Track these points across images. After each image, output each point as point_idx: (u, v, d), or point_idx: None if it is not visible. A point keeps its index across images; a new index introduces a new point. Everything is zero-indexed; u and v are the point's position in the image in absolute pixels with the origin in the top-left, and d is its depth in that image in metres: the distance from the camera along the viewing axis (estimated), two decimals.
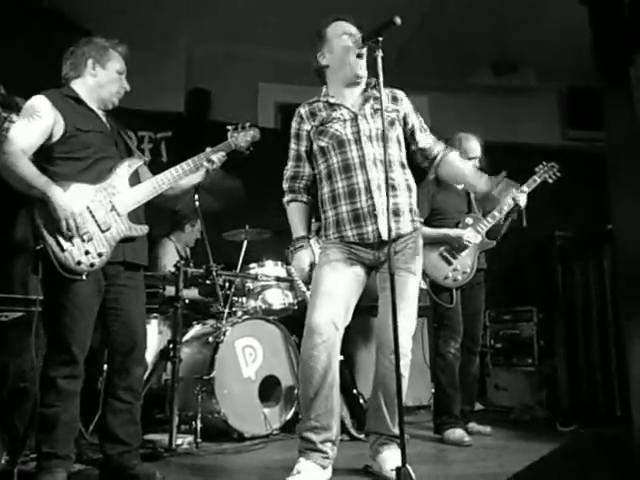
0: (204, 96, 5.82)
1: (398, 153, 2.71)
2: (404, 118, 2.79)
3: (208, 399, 3.46)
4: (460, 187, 3.84)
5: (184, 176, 2.63)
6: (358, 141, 2.63)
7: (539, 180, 3.81)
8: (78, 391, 2.38)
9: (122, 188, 2.47)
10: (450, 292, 3.71)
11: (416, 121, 2.84)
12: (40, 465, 2.32)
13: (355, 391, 3.74)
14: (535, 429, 4.03)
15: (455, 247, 3.70)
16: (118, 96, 2.63)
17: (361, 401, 3.71)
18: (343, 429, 3.53)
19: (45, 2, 4.64)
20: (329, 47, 2.74)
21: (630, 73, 2.81)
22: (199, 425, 3.35)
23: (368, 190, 2.59)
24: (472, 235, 3.70)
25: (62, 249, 2.29)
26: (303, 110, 2.77)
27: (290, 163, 2.82)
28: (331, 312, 2.54)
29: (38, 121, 2.35)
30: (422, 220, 3.63)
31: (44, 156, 2.40)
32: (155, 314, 4.06)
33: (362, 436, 3.54)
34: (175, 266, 3.49)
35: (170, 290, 4.07)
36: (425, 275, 3.67)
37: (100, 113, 2.60)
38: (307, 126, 2.73)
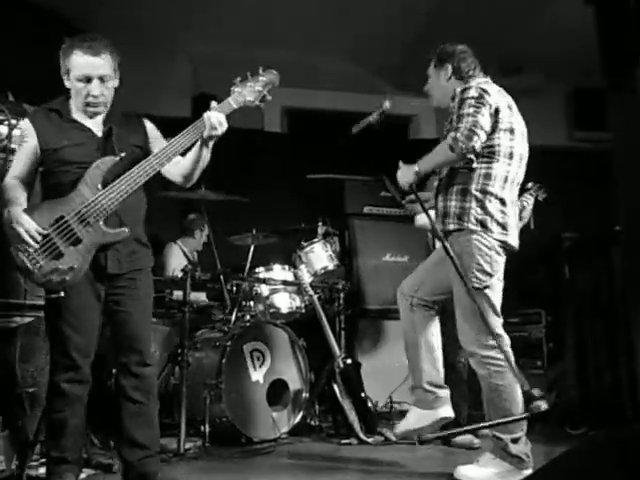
0: (210, 101, 5.83)
1: None
2: None
3: (216, 403, 3.46)
4: None
5: (173, 155, 2.38)
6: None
7: (531, 199, 3.65)
8: (84, 396, 2.37)
9: (90, 194, 2.30)
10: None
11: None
12: (50, 470, 2.33)
13: (363, 395, 3.73)
14: (544, 432, 4.00)
15: None
16: (91, 106, 2.41)
17: (369, 405, 3.70)
18: (352, 433, 3.53)
19: (47, 6, 4.66)
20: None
21: (636, 73, 2.80)
22: (207, 429, 3.35)
23: None
24: None
25: (35, 267, 2.25)
26: None
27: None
28: None
29: (24, 145, 2.37)
30: None
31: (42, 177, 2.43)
32: (163, 319, 4.06)
33: (371, 440, 3.53)
34: (183, 270, 3.50)
35: (178, 294, 4.08)
36: None
37: (89, 122, 2.44)
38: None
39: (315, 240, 4.25)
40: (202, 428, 3.37)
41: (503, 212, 2.76)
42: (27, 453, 2.58)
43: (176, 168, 2.50)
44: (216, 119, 2.40)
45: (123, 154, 2.37)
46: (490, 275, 2.74)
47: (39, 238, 2.25)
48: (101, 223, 2.31)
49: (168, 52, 5.59)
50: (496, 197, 2.75)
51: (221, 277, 3.85)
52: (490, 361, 2.70)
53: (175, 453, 3.13)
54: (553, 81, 6.13)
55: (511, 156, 2.79)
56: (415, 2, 5.01)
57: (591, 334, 4.17)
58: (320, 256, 4.18)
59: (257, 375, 3.70)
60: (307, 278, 4.00)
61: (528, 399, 2.08)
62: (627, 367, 3.80)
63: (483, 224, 2.72)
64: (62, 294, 2.28)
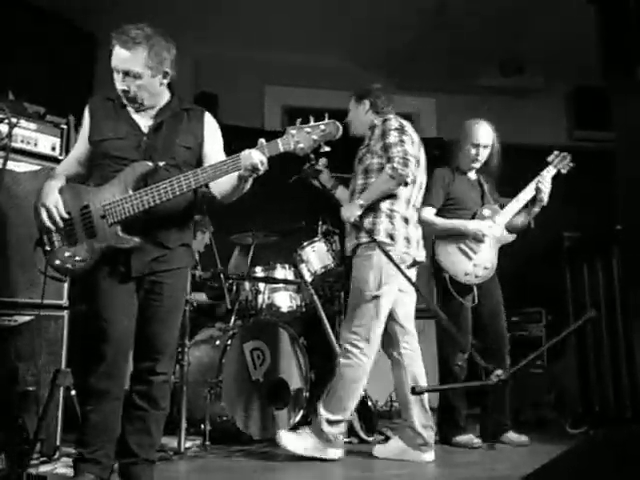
0: (211, 100, 5.83)
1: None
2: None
3: (216, 402, 3.46)
4: (474, 177, 3.81)
5: (205, 182, 2.29)
6: None
7: (554, 170, 3.67)
8: (112, 391, 2.29)
9: (119, 193, 2.27)
10: (470, 290, 3.60)
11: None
12: (74, 466, 2.31)
13: (363, 394, 3.73)
14: (544, 431, 4.01)
15: (473, 240, 3.59)
16: (124, 98, 2.34)
17: (369, 404, 3.70)
18: (352, 432, 3.53)
19: (49, 6, 4.66)
20: None
21: (637, 72, 2.80)
22: (208, 428, 3.35)
23: None
24: (488, 227, 3.61)
25: (51, 246, 2.31)
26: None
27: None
28: None
29: (82, 129, 2.43)
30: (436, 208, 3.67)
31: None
32: None
33: (371, 439, 3.54)
34: None
35: None
36: (444, 272, 3.61)
37: (139, 116, 2.39)
38: None
39: (315, 239, 4.24)
40: (202, 427, 3.37)
41: (406, 228, 3.18)
42: (27, 452, 2.58)
43: (215, 185, 2.42)
44: (257, 160, 2.22)
45: (162, 164, 2.31)
46: (379, 286, 3.09)
47: (61, 224, 2.29)
48: (119, 227, 2.27)
49: None
50: (401, 215, 3.17)
51: (221, 276, 3.85)
52: (348, 355, 3.12)
53: (175, 452, 3.13)
54: (553, 81, 6.13)
55: (414, 182, 3.21)
56: (416, 1, 5.01)
57: (591, 333, 4.17)
58: (320, 255, 4.17)
59: (257, 374, 3.70)
60: (307, 277, 4.00)
61: (486, 372, 2.10)
62: (627, 366, 3.80)
63: (392, 237, 3.11)
64: (65, 279, 2.30)
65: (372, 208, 3.14)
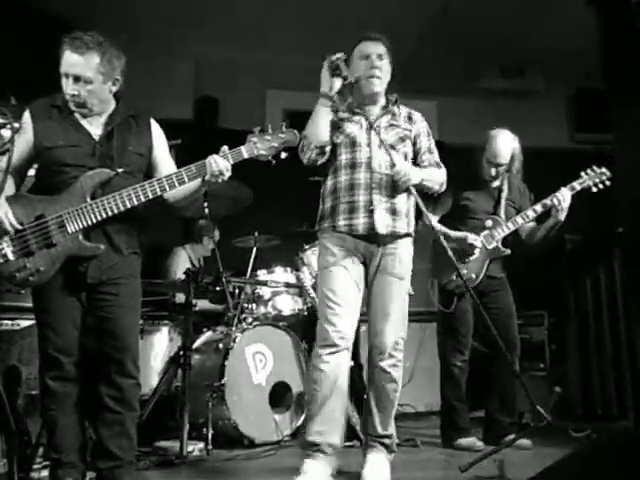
0: (212, 103, 5.84)
1: None
2: (415, 137, 2.90)
3: (219, 406, 3.46)
4: (494, 185, 3.73)
5: (169, 188, 2.34)
6: (368, 145, 2.77)
7: (578, 187, 3.56)
8: (72, 394, 2.35)
9: (76, 202, 2.27)
10: (453, 297, 3.60)
11: (425, 143, 2.92)
12: (50, 473, 2.34)
13: (365, 397, 3.72)
14: (547, 434, 4.00)
15: (464, 250, 3.58)
16: (71, 104, 2.35)
17: None
18: (354, 435, 3.52)
19: (50, 8, 4.67)
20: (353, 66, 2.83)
21: (637, 75, 2.80)
22: (210, 432, 3.35)
23: (369, 187, 2.72)
24: (479, 240, 3.58)
25: (2, 259, 2.24)
26: None
27: None
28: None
29: (21, 137, 2.28)
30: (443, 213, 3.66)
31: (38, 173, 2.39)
32: (165, 321, 4.07)
33: None
34: (185, 273, 3.51)
35: (180, 297, 4.09)
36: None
37: (87, 122, 2.40)
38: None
39: (317, 242, 4.25)
40: (205, 431, 3.37)
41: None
42: (29, 456, 2.58)
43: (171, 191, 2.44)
44: (222, 167, 2.36)
45: (120, 170, 2.33)
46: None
47: (12, 232, 2.23)
48: (80, 235, 2.27)
49: (170, 54, 5.61)
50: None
51: (223, 279, 3.86)
52: (399, 363, 2.77)
53: (177, 456, 3.13)
54: (554, 83, 6.14)
55: None
56: (417, 4, 5.02)
57: (594, 336, 4.17)
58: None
59: (259, 377, 3.70)
60: (309, 280, 4.00)
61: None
62: (630, 369, 3.79)
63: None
64: (22, 292, 2.28)
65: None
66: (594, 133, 6.17)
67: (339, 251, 2.72)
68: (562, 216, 3.52)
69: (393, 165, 2.68)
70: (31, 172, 2.45)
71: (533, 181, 3.75)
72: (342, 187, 2.76)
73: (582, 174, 3.59)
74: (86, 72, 2.30)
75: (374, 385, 2.78)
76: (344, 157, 2.78)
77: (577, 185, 3.57)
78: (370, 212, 2.69)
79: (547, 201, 3.54)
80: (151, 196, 2.32)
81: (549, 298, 4.81)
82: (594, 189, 3.59)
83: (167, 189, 2.33)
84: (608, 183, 3.55)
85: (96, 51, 2.32)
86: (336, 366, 2.63)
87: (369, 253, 2.74)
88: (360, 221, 2.70)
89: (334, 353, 2.62)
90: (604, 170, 3.58)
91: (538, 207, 3.58)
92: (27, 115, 2.36)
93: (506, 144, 3.64)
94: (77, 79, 2.31)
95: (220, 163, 2.35)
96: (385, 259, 2.73)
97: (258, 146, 2.44)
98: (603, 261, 4.14)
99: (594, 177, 3.59)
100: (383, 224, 2.69)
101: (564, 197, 3.49)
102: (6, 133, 2.48)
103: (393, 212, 2.73)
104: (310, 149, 2.75)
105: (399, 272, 2.74)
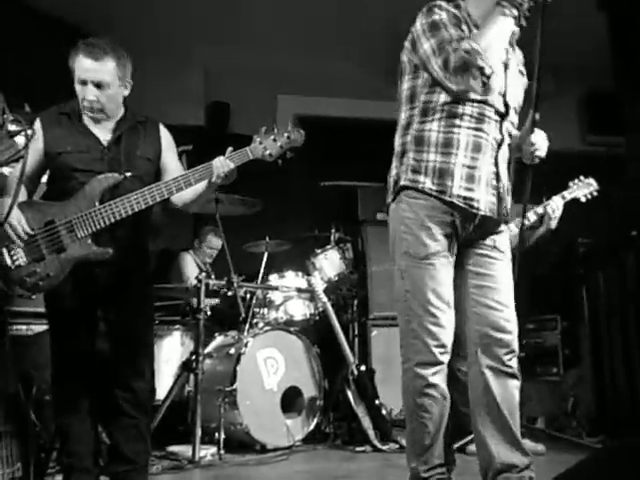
0: (223, 109, 5.87)
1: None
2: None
3: (230, 411, 3.47)
4: None
5: (177, 191, 2.32)
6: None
7: (569, 197, 3.50)
8: (85, 400, 2.36)
9: (85, 206, 2.28)
10: None
11: None
12: (64, 478, 2.35)
13: (377, 402, 3.72)
14: (561, 439, 3.97)
15: None
16: (88, 111, 2.36)
17: (384, 412, 3.69)
18: (366, 440, 3.52)
19: (61, 15, 4.71)
20: None
21: None
22: (222, 437, 3.35)
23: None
24: None
25: (14, 264, 2.25)
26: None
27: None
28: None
29: (32, 145, 2.25)
30: None
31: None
32: (177, 326, 4.09)
33: (386, 447, 3.52)
34: (197, 278, 3.52)
35: (192, 302, 4.10)
36: None
37: (97, 129, 2.40)
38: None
39: (328, 247, 4.25)
40: (216, 435, 3.37)
41: None
42: (44, 460, 2.60)
43: (178, 194, 2.43)
44: (227, 169, 2.34)
45: (129, 174, 2.34)
46: None
47: (25, 237, 2.25)
48: (89, 240, 2.28)
49: (181, 60, 5.64)
50: None
51: (235, 284, 3.87)
52: None
53: (190, 461, 3.14)
54: (566, 85, 6.11)
55: None
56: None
57: (607, 340, 4.13)
58: (333, 263, 4.19)
59: (271, 382, 3.70)
60: (320, 285, 4.00)
61: None
62: None
63: None
64: (33, 297, 2.28)
65: None
66: (606, 135, 6.13)
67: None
68: (554, 224, 3.46)
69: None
70: (43, 179, 2.47)
71: (544, 184, 3.73)
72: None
73: (570, 184, 3.54)
74: (105, 77, 2.32)
75: (498, 394, 2.18)
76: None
77: (567, 194, 3.53)
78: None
79: (540, 210, 3.49)
80: (159, 199, 2.31)
81: (562, 302, 4.78)
82: (583, 199, 3.54)
83: (174, 192, 2.32)
84: (596, 194, 3.54)
85: (112, 56, 2.33)
86: (444, 388, 2.13)
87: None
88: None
89: (438, 373, 2.10)
90: (591, 181, 3.56)
91: (532, 216, 3.51)
92: (37, 123, 2.38)
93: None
94: (98, 85, 2.32)
95: (226, 164, 2.34)
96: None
97: (265, 146, 2.39)
98: (616, 264, 4.10)
99: (582, 187, 3.55)
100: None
101: (557, 206, 3.44)
102: (20, 140, 2.51)
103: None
104: (481, 74, 2.09)
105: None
